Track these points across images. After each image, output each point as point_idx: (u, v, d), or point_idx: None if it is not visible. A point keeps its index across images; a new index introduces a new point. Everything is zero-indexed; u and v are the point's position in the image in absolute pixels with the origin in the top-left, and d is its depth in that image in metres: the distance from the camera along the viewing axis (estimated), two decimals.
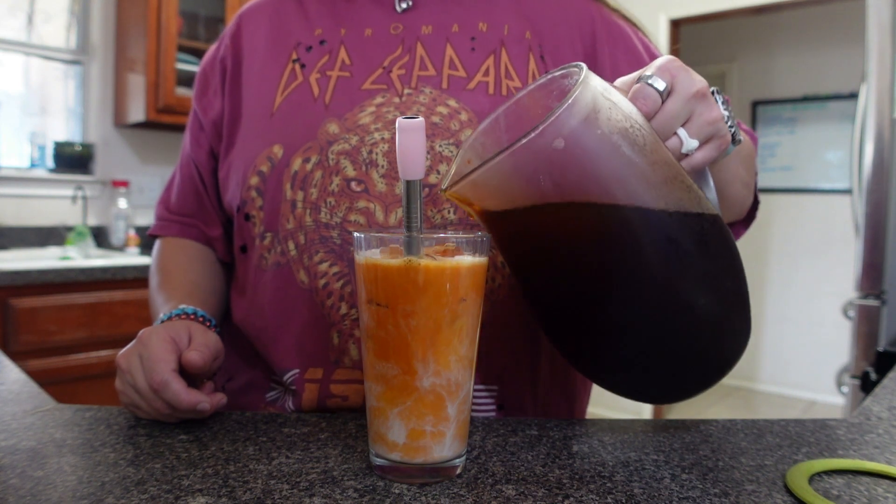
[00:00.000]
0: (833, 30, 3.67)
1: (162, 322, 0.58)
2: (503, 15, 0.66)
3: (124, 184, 2.58)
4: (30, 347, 1.85)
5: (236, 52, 0.70)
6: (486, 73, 0.63)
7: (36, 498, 0.37)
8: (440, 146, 0.59)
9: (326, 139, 0.60)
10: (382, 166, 0.58)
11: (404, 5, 0.66)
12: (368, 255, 0.41)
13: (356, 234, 0.42)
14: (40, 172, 2.46)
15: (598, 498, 0.39)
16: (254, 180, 0.62)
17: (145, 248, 2.61)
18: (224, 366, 0.68)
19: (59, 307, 1.90)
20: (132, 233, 2.51)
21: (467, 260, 0.41)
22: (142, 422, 0.51)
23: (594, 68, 0.64)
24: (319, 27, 0.67)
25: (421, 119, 0.39)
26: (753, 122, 4.08)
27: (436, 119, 0.60)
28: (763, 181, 4.06)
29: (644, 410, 3.29)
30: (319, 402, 0.59)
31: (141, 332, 0.54)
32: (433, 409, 0.40)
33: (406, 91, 0.62)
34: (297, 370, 0.60)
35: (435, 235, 0.41)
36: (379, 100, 0.61)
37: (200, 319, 0.60)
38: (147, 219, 2.71)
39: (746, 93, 4.09)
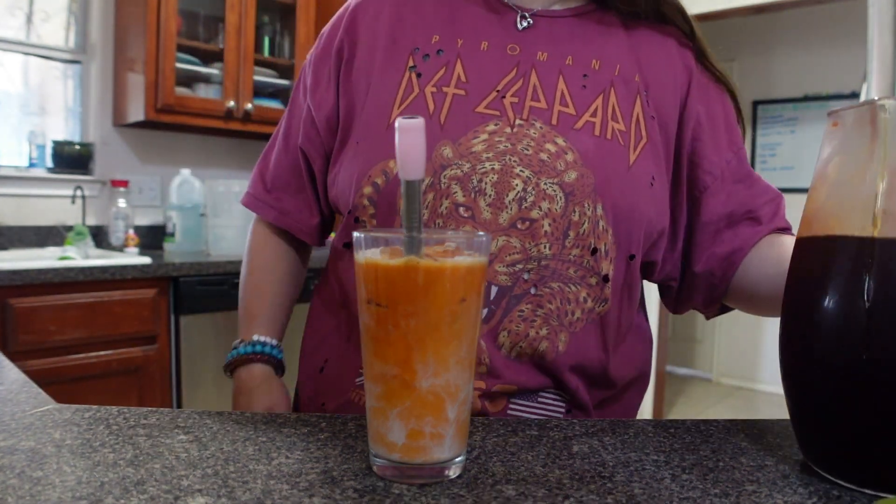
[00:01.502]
0: (833, 30, 3.67)
1: (244, 353, 0.73)
2: (616, 54, 0.66)
3: (123, 183, 2.58)
4: (29, 347, 1.85)
5: (352, 44, 0.69)
6: (594, 114, 0.63)
7: (35, 498, 0.37)
8: (545, 184, 0.60)
9: (440, 162, 0.61)
10: (490, 195, 0.60)
11: (525, 24, 0.67)
12: (368, 255, 0.41)
13: (356, 234, 0.42)
14: (39, 172, 2.46)
15: (598, 498, 0.39)
16: (367, 189, 0.63)
17: (144, 247, 2.61)
18: (320, 350, 0.72)
19: (58, 307, 1.90)
20: (131, 232, 2.51)
21: (467, 260, 0.40)
22: (141, 422, 0.51)
23: (681, 119, 0.67)
24: (437, 33, 0.67)
25: (421, 119, 0.39)
26: (754, 121, 4.08)
27: (544, 156, 0.61)
28: None
29: (644, 410, 3.29)
30: None
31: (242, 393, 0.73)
32: (433, 409, 0.40)
33: (518, 122, 0.63)
34: None
35: (435, 235, 0.41)
36: (492, 127, 0.62)
37: (274, 362, 0.73)
38: (146, 218, 2.71)
39: (746, 93, 4.10)
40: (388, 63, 0.66)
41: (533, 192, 0.60)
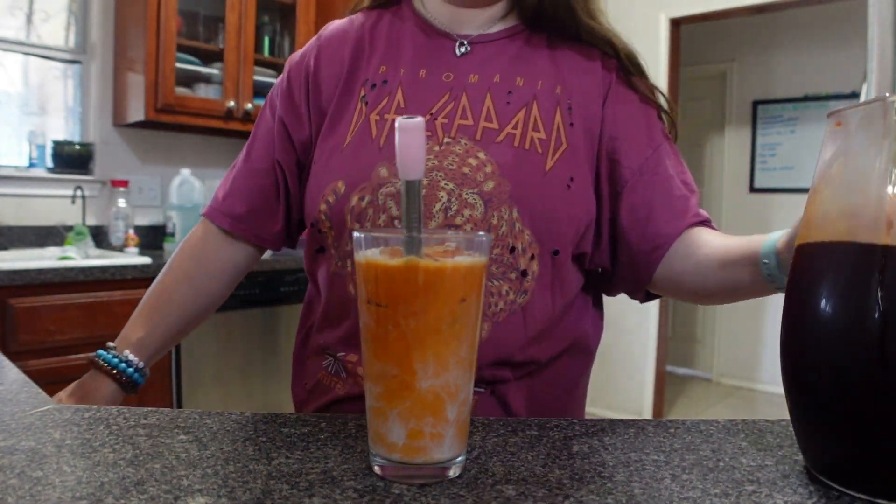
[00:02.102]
0: (833, 30, 3.67)
1: (105, 362, 0.73)
2: (540, 70, 0.73)
3: (124, 183, 2.58)
4: (29, 347, 1.85)
5: (316, 80, 0.76)
6: (515, 126, 0.70)
7: (35, 498, 0.37)
8: (466, 194, 0.67)
9: (378, 181, 0.69)
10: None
11: (463, 49, 0.74)
12: (368, 255, 0.41)
13: (355, 234, 0.42)
14: (39, 172, 2.46)
15: (598, 498, 0.39)
16: (323, 206, 0.71)
17: (144, 247, 2.61)
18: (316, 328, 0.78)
19: (58, 307, 1.90)
20: (131, 232, 2.51)
21: (467, 260, 0.40)
22: (141, 422, 0.51)
23: (602, 121, 0.73)
24: (385, 64, 0.75)
25: (420, 119, 0.39)
26: (753, 121, 4.08)
27: (466, 170, 0.68)
28: (763, 181, 4.06)
29: (644, 410, 3.29)
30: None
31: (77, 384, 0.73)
32: (432, 409, 0.40)
33: (446, 140, 0.70)
34: (343, 352, 0.72)
35: (435, 235, 0.41)
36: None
37: (114, 372, 0.73)
38: (146, 218, 2.71)
39: (746, 93, 4.10)
40: (345, 94, 0.75)
41: (456, 202, 0.67)
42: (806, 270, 0.42)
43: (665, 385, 3.46)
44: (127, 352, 0.74)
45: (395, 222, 0.67)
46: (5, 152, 2.44)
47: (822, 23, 3.72)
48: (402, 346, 0.40)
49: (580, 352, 0.76)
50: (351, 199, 0.69)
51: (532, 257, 0.68)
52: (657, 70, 3.17)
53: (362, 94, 0.73)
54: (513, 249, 0.67)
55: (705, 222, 0.74)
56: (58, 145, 2.48)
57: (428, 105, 0.71)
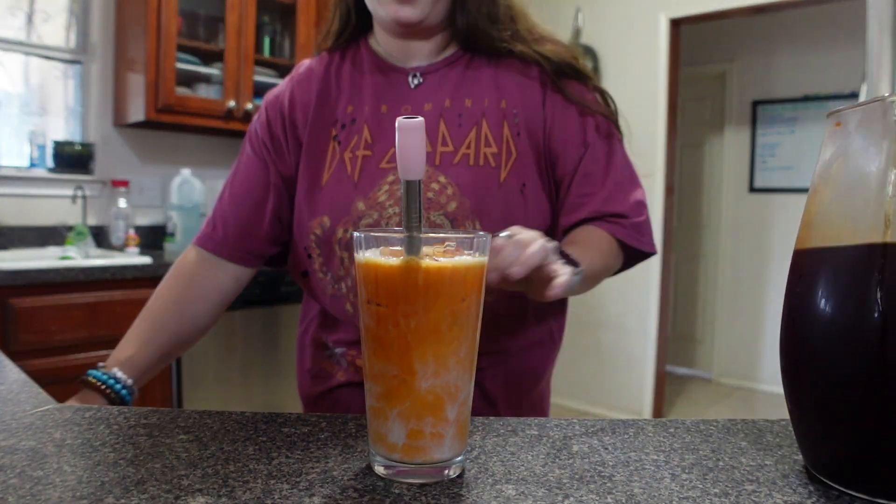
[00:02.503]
0: (833, 30, 3.67)
1: (96, 379, 0.73)
2: (485, 89, 0.79)
3: (124, 183, 2.58)
4: (30, 347, 1.85)
5: (292, 115, 0.83)
6: (469, 146, 0.77)
7: (36, 498, 0.37)
8: (434, 216, 0.74)
9: (357, 215, 0.76)
10: None
11: (416, 81, 0.81)
12: (368, 255, 0.41)
13: (356, 234, 0.42)
14: (40, 172, 2.46)
15: (598, 498, 0.39)
16: (312, 237, 0.80)
17: (145, 247, 2.61)
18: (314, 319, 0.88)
19: (59, 307, 1.90)
20: (132, 232, 2.51)
21: (467, 260, 0.40)
22: (141, 421, 0.51)
23: (542, 125, 0.79)
24: (351, 104, 0.81)
25: (420, 119, 0.39)
26: (753, 121, 4.08)
27: (430, 195, 0.75)
28: (763, 181, 4.06)
29: (644, 410, 3.29)
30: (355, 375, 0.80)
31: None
32: (433, 410, 0.40)
33: None
34: (343, 349, 0.82)
35: (435, 235, 0.41)
36: (391, 178, 0.77)
37: (103, 388, 0.73)
38: (146, 218, 2.71)
39: (746, 93, 4.09)
40: (319, 133, 0.81)
41: (427, 224, 0.73)
42: (806, 270, 0.42)
43: (665, 385, 3.45)
44: (115, 369, 0.75)
45: None
46: (6, 152, 2.44)
47: (821, 23, 3.72)
48: (402, 346, 0.40)
49: (546, 341, 0.85)
50: (336, 231, 0.77)
51: None
52: (657, 70, 3.17)
53: (334, 133, 0.80)
54: None
55: (607, 218, 0.78)
56: (58, 145, 2.49)
57: (391, 139, 0.77)
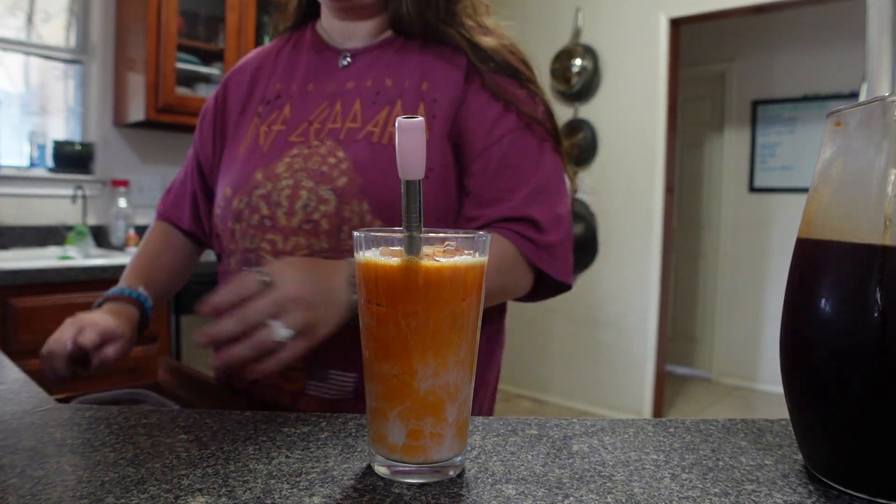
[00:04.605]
0: (833, 30, 3.67)
1: (103, 300, 0.80)
2: (409, 70, 0.77)
3: (124, 183, 2.58)
4: (30, 347, 1.85)
5: (224, 106, 0.87)
6: (376, 124, 0.75)
7: (36, 497, 0.37)
8: (323, 191, 0.72)
9: (253, 185, 0.76)
10: (284, 206, 0.74)
11: (345, 62, 0.81)
12: (368, 255, 0.41)
13: (356, 234, 0.42)
14: (40, 172, 2.46)
15: (598, 498, 0.39)
16: (217, 211, 0.81)
17: None
18: None
19: (59, 307, 1.90)
20: (132, 232, 2.51)
21: (467, 260, 0.40)
22: (142, 421, 0.51)
23: (456, 113, 0.75)
24: (280, 81, 0.83)
25: (421, 119, 0.39)
26: (753, 121, 4.07)
27: (325, 168, 0.73)
28: (763, 181, 4.06)
29: (644, 410, 3.29)
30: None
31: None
32: (433, 410, 0.40)
33: (315, 143, 0.75)
34: None
35: (435, 235, 0.41)
36: (294, 151, 0.76)
37: (127, 298, 0.80)
38: (147, 218, 2.71)
39: (746, 93, 4.09)
40: (245, 113, 0.84)
41: (314, 199, 0.72)
42: (806, 270, 0.42)
43: (665, 385, 3.45)
44: (141, 288, 0.82)
45: (266, 221, 0.74)
46: (6, 152, 2.44)
47: (821, 23, 3.71)
48: (402, 347, 0.40)
49: (492, 334, 0.83)
50: (233, 202, 0.78)
51: None
52: (657, 70, 3.17)
53: (259, 110, 0.82)
54: None
55: (521, 229, 0.73)
56: (58, 145, 2.49)
57: (308, 114, 0.78)
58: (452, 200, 0.75)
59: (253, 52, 0.91)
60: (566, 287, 0.78)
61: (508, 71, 0.77)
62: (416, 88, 0.76)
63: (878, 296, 0.36)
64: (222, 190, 0.80)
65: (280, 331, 0.55)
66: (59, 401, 0.59)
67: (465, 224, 0.75)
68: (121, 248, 2.49)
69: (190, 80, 2.55)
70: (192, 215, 0.92)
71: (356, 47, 0.81)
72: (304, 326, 0.57)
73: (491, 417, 0.54)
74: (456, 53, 0.78)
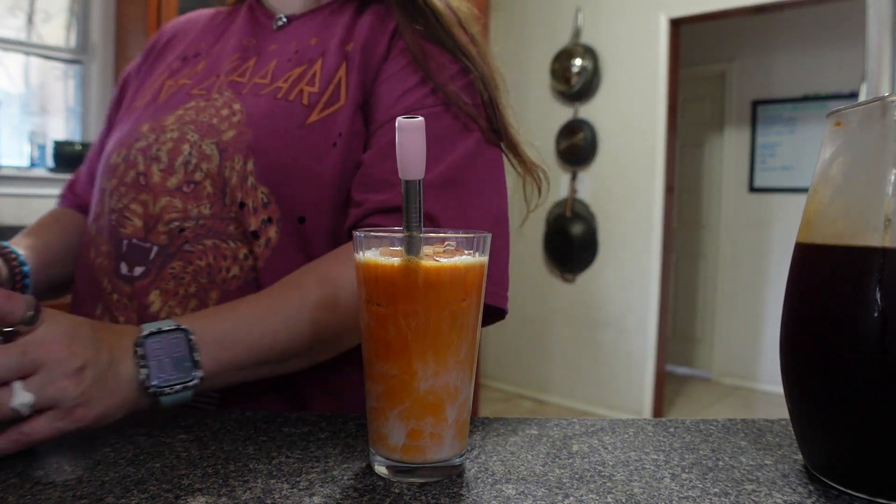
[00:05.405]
0: (833, 30, 3.67)
1: None
2: (337, 30, 0.70)
3: None
4: None
5: (146, 59, 0.81)
6: (286, 80, 0.66)
7: (36, 497, 0.37)
8: (206, 145, 0.63)
9: (135, 137, 0.67)
10: (163, 161, 0.64)
11: (280, 23, 0.74)
12: (368, 255, 0.41)
13: (356, 234, 0.42)
14: (40, 172, 2.46)
15: (598, 497, 0.39)
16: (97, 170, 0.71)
17: None
18: None
19: (58, 306, 1.89)
20: None
21: (467, 260, 0.41)
22: (142, 421, 0.51)
23: (375, 77, 0.66)
24: (205, 41, 0.76)
25: (421, 119, 0.39)
26: (753, 121, 4.08)
27: (214, 121, 0.65)
28: (762, 181, 4.06)
29: (644, 410, 3.29)
30: None
31: None
32: (433, 410, 0.40)
33: (214, 96, 0.67)
34: None
35: (435, 235, 0.41)
36: (192, 104, 0.68)
37: (12, 259, 0.68)
38: None
39: (746, 93, 4.09)
40: (155, 66, 0.77)
41: (196, 155, 0.63)
42: (806, 270, 0.42)
43: (665, 385, 3.46)
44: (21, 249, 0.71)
45: (141, 178, 0.64)
46: (6, 152, 2.44)
47: (821, 23, 3.72)
48: (401, 347, 0.40)
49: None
50: (111, 157, 0.68)
51: (269, 220, 0.61)
52: (657, 70, 3.17)
53: (172, 65, 0.75)
54: (242, 205, 0.61)
55: (381, 216, 0.60)
56: (59, 145, 2.49)
57: (218, 68, 0.71)
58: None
59: (183, 17, 0.85)
60: (499, 313, 0.62)
61: (442, 38, 0.65)
62: (340, 48, 0.68)
63: (878, 296, 0.36)
64: (106, 149, 0.71)
65: (21, 396, 0.41)
66: None
67: (351, 210, 0.62)
68: None
69: None
70: None
71: (294, 13, 0.75)
72: (66, 400, 0.42)
73: (491, 417, 0.54)
74: (387, 12, 0.69)
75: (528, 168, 0.66)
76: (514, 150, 0.66)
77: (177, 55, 0.76)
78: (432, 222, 0.59)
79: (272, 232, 0.62)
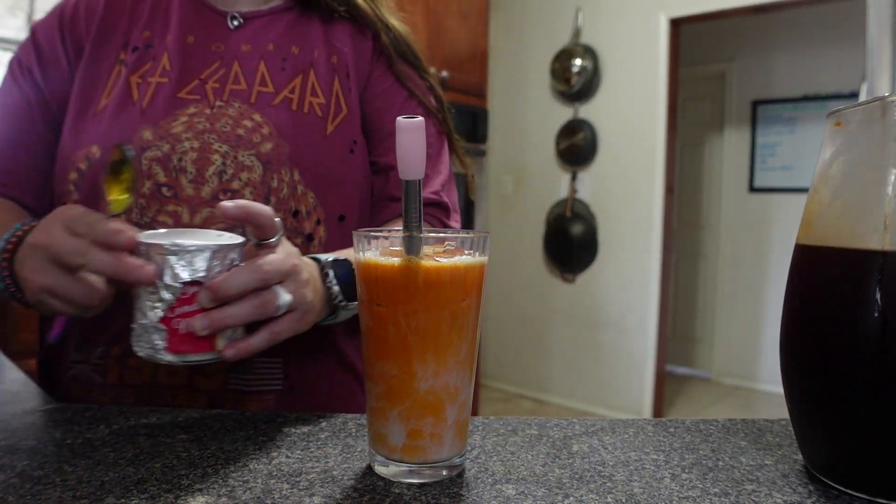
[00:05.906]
0: (833, 30, 3.67)
1: (19, 229, 0.56)
2: (314, 42, 0.73)
3: None
4: (30, 347, 1.85)
5: (77, 37, 0.71)
6: (293, 91, 0.70)
7: (36, 497, 0.37)
8: (242, 156, 0.66)
9: (142, 145, 0.65)
10: (191, 172, 0.65)
11: (236, 23, 0.73)
12: (368, 255, 0.41)
13: (356, 234, 0.42)
14: None
15: (598, 498, 0.39)
16: (73, 175, 0.66)
17: None
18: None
19: None
20: None
21: (467, 260, 0.40)
22: (142, 421, 0.51)
23: (367, 89, 0.75)
24: (148, 29, 0.72)
25: (421, 119, 0.39)
26: (753, 121, 4.08)
27: (241, 132, 0.66)
28: (762, 181, 4.06)
29: (644, 410, 3.29)
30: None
31: (35, 229, 0.51)
32: (433, 410, 0.40)
33: (218, 103, 0.68)
34: (104, 346, 0.64)
35: (435, 235, 0.41)
36: (192, 110, 0.67)
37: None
38: None
39: (746, 93, 4.09)
40: (101, 55, 0.70)
41: (232, 165, 0.65)
42: (806, 270, 0.42)
43: (665, 385, 3.46)
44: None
45: (164, 189, 0.63)
46: None
47: (821, 23, 3.72)
48: (402, 347, 0.40)
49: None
50: (103, 159, 0.64)
51: (318, 222, 0.69)
52: (657, 70, 3.17)
53: (122, 57, 0.70)
54: (296, 213, 0.67)
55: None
56: None
57: (197, 72, 0.69)
58: (369, 172, 0.75)
59: None
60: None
61: (411, 59, 0.78)
62: (327, 60, 0.73)
63: (878, 296, 0.36)
64: (80, 149, 0.66)
65: (284, 296, 0.50)
66: None
67: (390, 204, 0.74)
68: None
69: None
70: (42, 185, 0.71)
71: (243, 11, 0.73)
72: (305, 304, 0.52)
73: (491, 417, 0.54)
74: (360, 32, 0.76)
75: (463, 162, 0.82)
76: (455, 147, 0.81)
77: (119, 44, 0.71)
78: (447, 213, 0.74)
79: (322, 231, 0.69)
